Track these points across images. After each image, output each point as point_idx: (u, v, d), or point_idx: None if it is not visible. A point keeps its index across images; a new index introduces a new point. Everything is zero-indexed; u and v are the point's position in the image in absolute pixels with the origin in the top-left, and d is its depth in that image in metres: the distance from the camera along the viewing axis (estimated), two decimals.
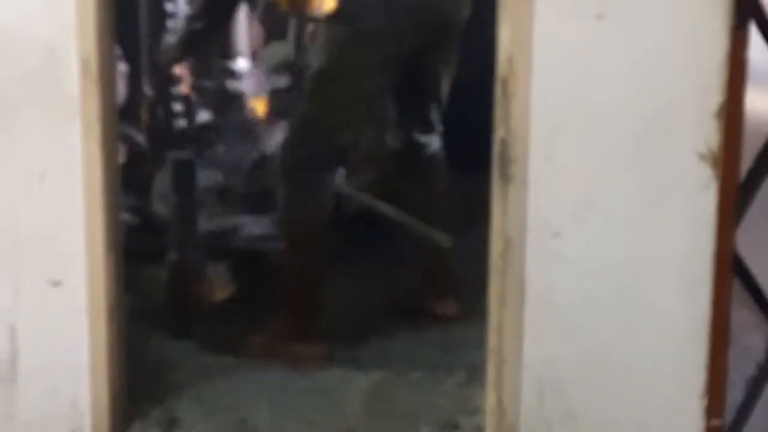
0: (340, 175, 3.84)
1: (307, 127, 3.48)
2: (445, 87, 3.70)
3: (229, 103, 4.72)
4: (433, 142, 3.76)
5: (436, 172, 3.79)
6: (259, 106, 4.73)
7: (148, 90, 4.43)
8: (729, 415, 2.78)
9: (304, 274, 3.51)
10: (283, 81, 4.58)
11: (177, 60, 4.21)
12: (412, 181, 3.77)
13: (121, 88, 4.18)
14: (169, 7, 4.22)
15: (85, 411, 2.89)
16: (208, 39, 4.01)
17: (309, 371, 3.39)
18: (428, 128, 3.74)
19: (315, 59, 3.49)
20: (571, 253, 2.67)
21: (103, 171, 2.80)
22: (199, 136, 4.38)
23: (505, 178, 2.65)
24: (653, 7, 2.55)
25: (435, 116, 3.74)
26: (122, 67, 4.14)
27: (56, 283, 2.84)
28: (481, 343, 2.85)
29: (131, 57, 4.24)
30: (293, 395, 3.27)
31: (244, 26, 4.73)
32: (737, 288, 2.75)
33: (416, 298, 3.81)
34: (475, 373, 3.16)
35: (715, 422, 2.70)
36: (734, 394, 2.82)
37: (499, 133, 2.64)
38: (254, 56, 4.80)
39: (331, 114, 3.44)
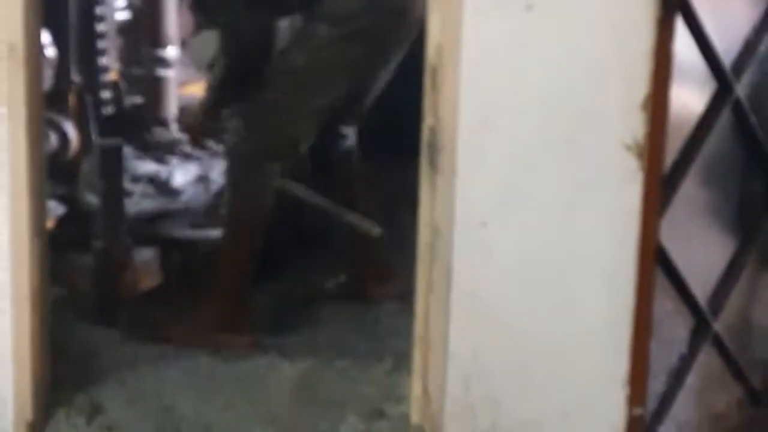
0: None
1: (267, 118, 3.50)
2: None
3: (158, 90, 4.71)
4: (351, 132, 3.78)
5: (354, 162, 3.81)
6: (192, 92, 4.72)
7: (76, 77, 4.38)
8: (651, 404, 2.80)
9: (238, 263, 3.51)
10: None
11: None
12: (335, 171, 3.78)
13: (49, 75, 4.14)
14: None
15: (7, 398, 2.87)
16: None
17: (235, 359, 3.38)
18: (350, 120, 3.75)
19: (294, 57, 3.49)
20: (498, 243, 2.68)
21: (29, 156, 2.78)
22: (128, 123, 4.35)
23: (433, 168, 2.66)
24: None
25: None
26: (51, 53, 4.10)
27: None
28: (408, 331, 2.86)
29: (59, 43, 4.19)
30: (219, 383, 3.26)
31: (173, 13, 4.70)
32: (660, 279, 2.77)
33: (348, 284, 3.81)
34: (402, 362, 3.16)
35: (638, 411, 2.73)
36: (656, 384, 2.84)
37: (427, 122, 2.65)
38: (184, 44, 4.77)
39: (297, 110, 3.46)
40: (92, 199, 3.85)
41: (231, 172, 3.58)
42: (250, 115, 3.56)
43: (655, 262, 2.71)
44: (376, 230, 3.63)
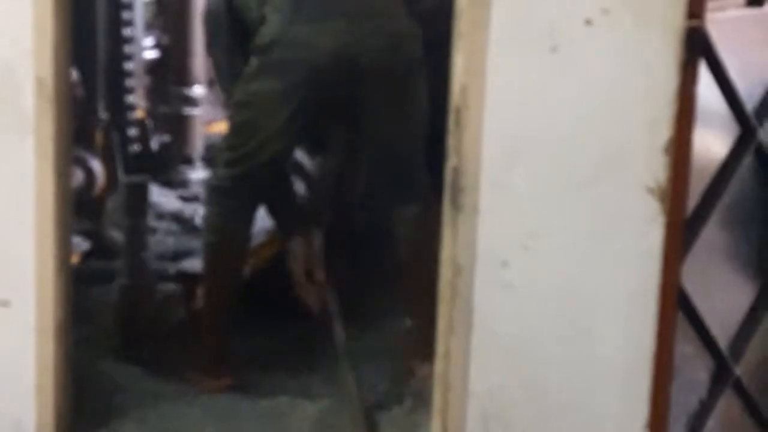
0: None
1: (226, 151, 3.55)
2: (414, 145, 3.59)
3: (184, 128, 4.75)
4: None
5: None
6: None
7: (103, 114, 4.42)
8: None
9: (216, 302, 3.53)
10: None
11: None
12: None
13: (77, 112, 4.17)
14: (126, 32, 4.21)
15: (29, 430, 2.88)
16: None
17: (256, 397, 3.38)
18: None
19: (238, 90, 3.54)
20: (519, 282, 2.69)
21: (55, 190, 2.80)
22: (154, 161, 4.38)
23: (456, 207, 2.67)
24: (606, 41, 2.59)
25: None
26: (79, 91, 4.13)
27: (4, 303, 2.84)
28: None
29: (88, 80, 4.22)
30: (240, 421, 3.27)
31: (200, 53, 4.74)
32: (681, 322, 2.77)
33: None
34: (422, 401, 3.17)
35: None
36: (677, 428, 2.83)
37: (451, 162, 2.66)
38: (210, 83, 4.82)
39: (246, 141, 3.49)
40: (117, 236, 3.88)
41: (205, 207, 3.65)
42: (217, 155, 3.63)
43: (676, 305, 2.71)
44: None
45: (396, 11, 3.51)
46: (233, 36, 3.59)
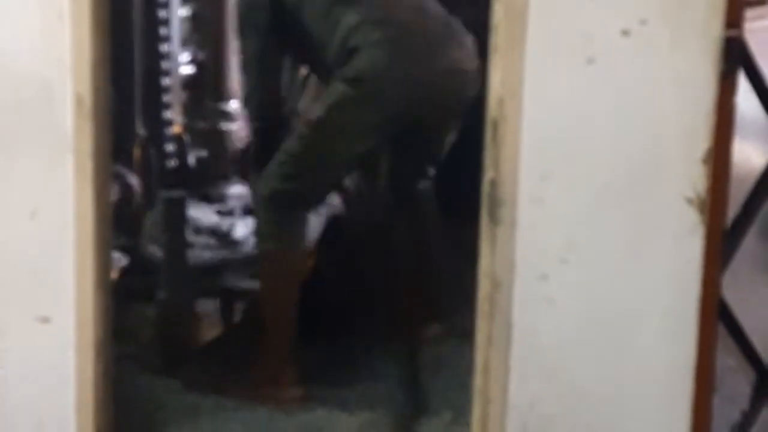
0: None
1: (289, 165, 3.54)
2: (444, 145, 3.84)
3: (221, 143, 4.76)
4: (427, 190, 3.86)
5: (429, 219, 3.86)
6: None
7: (140, 130, 4.45)
8: None
9: (278, 314, 3.53)
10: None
11: None
12: (406, 227, 3.84)
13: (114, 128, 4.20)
14: (163, 48, 4.24)
15: None
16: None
17: (295, 411, 3.39)
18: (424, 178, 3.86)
19: (317, 110, 3.55)
20: (558, 295, 2.68)
21: (95, 208, 2.81)
22: (191, 176, 4.41)
23: (494, 220, 2.66)
24: (643, 52, 2.57)
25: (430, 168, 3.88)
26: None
27: (45, 319, 2.85)
28: (467, 384, 2.86)
29: (125, 97, 4.25)
30: None
31: (236, 69, 4.76)
32: (722, 334, 2.75)
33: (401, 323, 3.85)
34: (461, 414, 3.16)
35: None
36: None
37: (488, 175, 2.65)
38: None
39: (317, 161, 3.52)
40: (155, 251, 3.90)
41: (260, 220, 3.64)
42: (277, 161, 3.61)
43: (716, 316, 2.70)
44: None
45: (470, 43, 3.63)
46: (279, 49, 3.63)
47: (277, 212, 3.53)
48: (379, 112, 3.48)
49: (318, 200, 3.65)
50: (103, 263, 2.87)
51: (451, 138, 3.79)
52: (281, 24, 3.64)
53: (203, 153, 4.66)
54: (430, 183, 3.89)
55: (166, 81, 4.29)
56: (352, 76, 3.46)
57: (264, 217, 3.59)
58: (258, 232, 3.72)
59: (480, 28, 2.99)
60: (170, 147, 4.34)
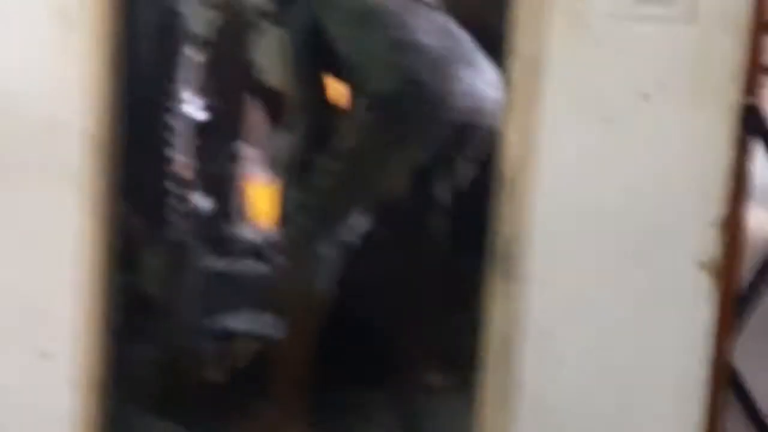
0: None
1: (321, 199, 3.52)
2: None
3: (229, 186, 4.79)
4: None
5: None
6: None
7: (148, 170, 4.47)
8: None
9: (294, 355, 3.50)
10: None
11: None
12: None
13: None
14: (175, 91, 4.28)
15: None
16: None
17: None
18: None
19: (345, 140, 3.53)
20: (567, 354, 2.67)
21: (99, 245, 2.80)
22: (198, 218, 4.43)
23: (505, 275, 2.66)
24: (660, 114, 2.58)
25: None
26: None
27: (45, 355, 2.82)
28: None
29: (135, 138, 4.27)
30: None
31: (250, 113, 4.80)
32: (732, 402, 2.74)
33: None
34: None
35: None
36: None
37: (502, 231, 2.65)
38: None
39: (350, 197, 3.51)
40: (154, 292, 3.90)
41: (288, 258, 3.60)
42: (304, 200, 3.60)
43: (727, 384, 2.69)
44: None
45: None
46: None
47: (304, 251, 3.50)
48: (409, 137, 3.47)
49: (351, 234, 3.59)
50: (105, 300, 2.86)
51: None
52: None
53: (210, 197, 4.70)
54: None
55: (176, 124, 4.31)
56: (380, 99, 3.45)
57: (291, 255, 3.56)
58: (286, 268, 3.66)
59: None
60: (177, 189, 4.34)
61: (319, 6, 3.61)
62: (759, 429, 2.83)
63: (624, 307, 2.65)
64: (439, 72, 3.49)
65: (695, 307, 2.63)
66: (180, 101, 4.40)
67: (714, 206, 2.61)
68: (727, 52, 2.57)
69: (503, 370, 2.68)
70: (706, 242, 2.61)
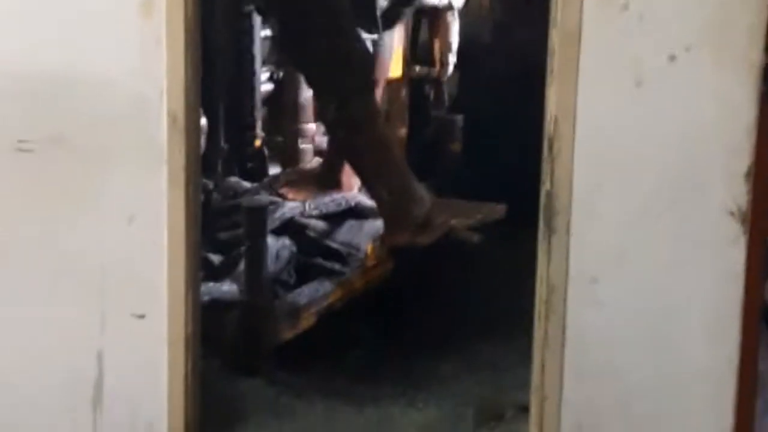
0: None
1: None
2: None
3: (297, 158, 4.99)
4: None
5: None
6: None
7: (224, 144, 4.69)
8: None
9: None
10: None
11: None
12: None
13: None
14: (247, 68, 4.47)
15: None
16: None
17: (369, 406, 3.61)
18: None
19: None
20: (608, 299, 2.87)
21: (186, 215, 3.04)
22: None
23: (550, 229, 2.87)
24: (687, 74, 2.76)
25: None
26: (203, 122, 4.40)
27: (140, 316, 3.08)
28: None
29: (211, 114, 4.48)
30: (351, 427, 3.50)
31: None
32: (765, 336, 2.91)
33: None
34: (522, 413, 3.35)
35: None
36: None
37: (545, 187, 2.87)
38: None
39: None
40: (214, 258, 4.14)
41: None
42: None
43: (759, 321, 2.86)
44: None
45: None
46: None
47: None
48: None
49: None
50: (193, 265, 3.10)
51: None
52: None
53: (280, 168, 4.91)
54: None
55: (248, 100, 4.50)
56: None
57: None
58: None
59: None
60: (251, 160, 4.56)
61: None
62: None
63: (659, 252, 2.84)
64: None
65: (726, 251, 2.81)
66: (252, 77, 4.58)
67: (742, 158, 2.78)
68: (749, 14, 2.73)
69: (550, 315, 2.90)
70: (735, 192, 2.79)
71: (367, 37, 4.36)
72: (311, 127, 5.12)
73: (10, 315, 3.12)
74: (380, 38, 4.66)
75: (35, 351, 3.12)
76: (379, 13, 4.40)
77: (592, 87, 2.80)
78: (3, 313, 3.13)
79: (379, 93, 4.89)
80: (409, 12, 4.76)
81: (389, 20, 4.60)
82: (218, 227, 4.28)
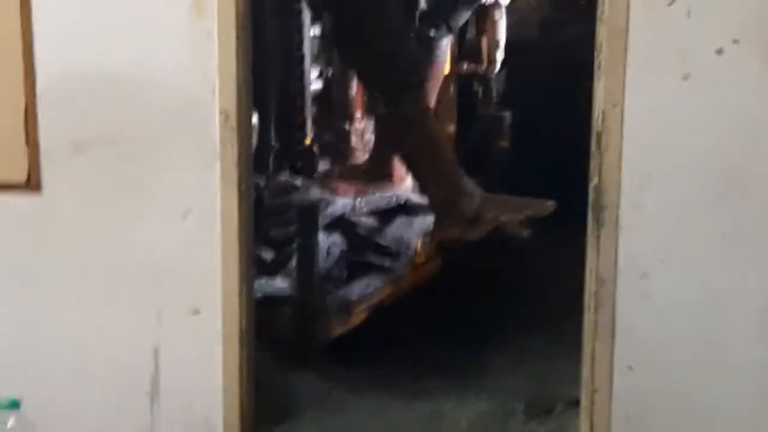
0: None
1: None
2: None
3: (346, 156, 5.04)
4: None
5: None
6: None
7: (275, 142, 4.73)
8: None
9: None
10: None
11: None
12: None
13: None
14: (297, 67, 4.52)
15: (217, 426, 3.17)
16: None
17: (419, 399, 3.64)
18: None
19: None
20: (658, 293, 2.89)
21: (239, 211, 3.07)
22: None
23: (599, 223, 2.89)
24: (735, 67, 2.77)
25: None
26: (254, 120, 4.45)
27: (195, 311, 3.13)
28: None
29: (262, 112, 4.53)
30: (405, 421, 3.54)
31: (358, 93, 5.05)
32: None
33: None
34: (572, 406, 3.39)
35: None
36: None
37: (593, 182, 2.89)
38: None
39: None
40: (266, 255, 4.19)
41: None
42: None
43: None
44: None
45: None
46: None
47: None
48: None
49: None
50: (246, 261, 3.14)
51: None
52: None
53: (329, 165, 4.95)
54: None
55: (299, 98, 4.55)
56: None
57: None
58: None
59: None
60: (302, 158, 4.61)
61: None
62: None
63: (708, 247, 2.86)
64: None
65: None
66: (302, 76, 4.63)
67: None
68: None
69: (599, 307, 2.92)
70: None
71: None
72: (360, 124, 5.16)
73: (71, 313, 3.17)
74: (438, 38, 4.72)
75: (95, 347, 3.18)
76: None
77: (639, 81, 2.82)
78: (64, 312, 3.18)
79: (436, 91, 4.95)
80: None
81: (456, 21, 4.69)
82: (270, 224, 4.31)
